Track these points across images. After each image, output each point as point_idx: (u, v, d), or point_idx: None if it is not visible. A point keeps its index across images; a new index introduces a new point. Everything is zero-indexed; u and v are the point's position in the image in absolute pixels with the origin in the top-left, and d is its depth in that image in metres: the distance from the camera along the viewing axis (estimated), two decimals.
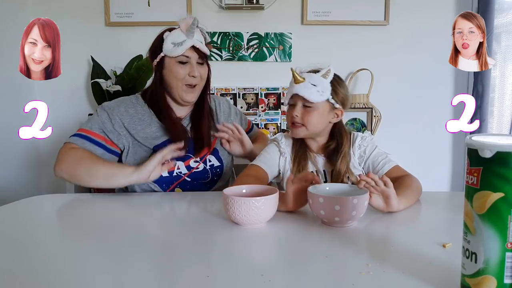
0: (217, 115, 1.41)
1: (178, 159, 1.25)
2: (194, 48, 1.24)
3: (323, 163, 1.22)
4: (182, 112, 1.34)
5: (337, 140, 1.20)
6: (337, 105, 1.16)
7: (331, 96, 1.14)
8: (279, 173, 1.24)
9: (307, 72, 1.16)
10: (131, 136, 1.26)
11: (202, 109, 1.35)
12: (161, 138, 1.27)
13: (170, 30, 1.26)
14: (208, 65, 1.32)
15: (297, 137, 1.20)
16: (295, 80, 1.14)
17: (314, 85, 1.12)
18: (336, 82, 1.17)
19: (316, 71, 1.15)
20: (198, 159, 1.30)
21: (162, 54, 1.25)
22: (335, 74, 1.17)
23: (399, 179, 1.09)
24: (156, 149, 1.24)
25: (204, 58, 1.29)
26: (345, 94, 1.18)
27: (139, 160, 1.24)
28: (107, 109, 1.26)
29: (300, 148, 1.22)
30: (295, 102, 1.16)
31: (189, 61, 1.25)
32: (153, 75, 1.31)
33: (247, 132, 1.45)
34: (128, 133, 1.25)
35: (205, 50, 1.27)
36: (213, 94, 1.46)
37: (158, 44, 1.25)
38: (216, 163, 1.33)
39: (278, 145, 1.24)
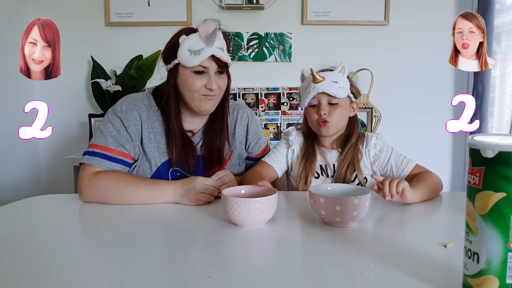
0: (235, 128, 1.27)
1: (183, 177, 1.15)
2: (213, 57, 1.10)
3: (335, 157, 1.24)
4: (195, 124, 1.22)
5: (348, 131, 1.26)
6: (354, 99, 1.23)
7: (350, 91, 1.21)
8: (288, 165, 1.28)
9: (321, 71, 1.21)
10: (142, 149, 1.15)
11: (220, 123, 1.21)
12: (168, 155, 1.16)
13: (187, 32, 1.11)
14: (228, 74, 1.18)
15: (327, 136, 1.24)
16: (315, 80, 1.17)
17: (335, 82, 1.17)
18: (349, 77, 1.24)
19: (329, 70, 1.21)
20: None
21: (176, 61, 1.11)
22: None
23: (417, 175, 1.15)
24: (161, 169, 1.15)
25: (224, 68, 1.15)
26: (358, 89, 1.26)
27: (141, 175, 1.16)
28: (120, 114, 1.14)
29: (311, 144, 1.26)
30: (318, 101, 1.19)
31: (206, 71, 1.11)
32: (166, 78, 1.17)
33: (258, 158, 1.30)
34: (140, 143, 1.15)
35: (226, 58, 1.13)
36: (238, 103, 1.35)
37: (172, 48, 1.11)
38: None
39: (287, 138, 1.28)
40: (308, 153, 1.24)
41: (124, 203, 1.04)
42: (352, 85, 1.23)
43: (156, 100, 1.19)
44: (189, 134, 1.21)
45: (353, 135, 1.24)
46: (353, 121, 1.27)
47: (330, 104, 1.19)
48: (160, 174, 1.16)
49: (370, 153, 1.23)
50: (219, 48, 1.11)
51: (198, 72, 1.11)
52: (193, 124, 1.22)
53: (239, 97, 2.39)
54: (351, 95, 1.22)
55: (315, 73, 1.17)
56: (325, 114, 1.18)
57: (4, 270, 0.66)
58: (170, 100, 1.15)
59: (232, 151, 1.26)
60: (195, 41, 1.09)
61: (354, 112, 1.26)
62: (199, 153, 1.20)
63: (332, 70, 1.21)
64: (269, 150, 1.34)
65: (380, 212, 0.98)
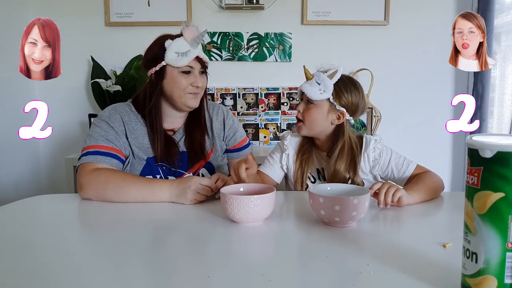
0: (213, 123, 1.34)
1: (170, 174, 1.24)
2: (197, 58, 1.21)
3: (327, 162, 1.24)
4: (176, 123, 1.30)
5: (336, 141, 1.22)
6: (338, 107, 1.18)
7: (332, 97, 1.17)
8: (283, 170, 1.29)
9: (317, 71, 1.21)
10: (129, 146, 1.22)
11: (198, 118, 1.30)
12: (152, 153, 1.23)
13: (171, 37, 1.20)
14: (207, 75, 1.29)
15: (300, 134, 1.25)
16: (306, 77, 1.20)
17: (318, 83, 1.17)
18: (343, 86, 1.18)
19: (326, 71, 1.20)
20: (191, 174, 1.26)
21: (163, 63, 1.19)
22: (347, 79, 1.20)
23: (417, 175, 1.15)
24: (149, 160, 1.23)
25: (205, 68, 1.26)
26: (350, 100, 1.18)
27: (134, 172, 1.22)
28: (105, 119, 1.21)
29: (307, 147, 1.26)
30: (301, 98, 1.23)
31: (192, 71, 1.22)
32: (148, 83, 1.25)
33: (238, 150, 1.38)
34: (127, 141, 1.22)
35: (207, 59, 1.26)
36: (212, 101, 1.44)
37: (158, 53, 1.20)
38: (208, 176, 1.25)
39: (282, 142, 1.29)
40: (304, 157, 1.24)
41: (121, 198, 1.07)
42: (338, 94, 1.16)
43: (136, 106, 1.27)
44: (170, 133, 1.29)
45: (337, 145, 1.19)
46: (339, 131, 1.21)
47: (309, 103, 1.19)
48: (151, 167, 1.23)
49: (370, 157, 1.21)
50: (201, 50, 1.23)
51: (185, 72, 1.21)
52: (174, 123, 1.30)
53: (239, 97, 2.39)
54: (334, 102, 1.17)
55: (307, 70, 1.20)
56: (299, 111, 1.21)
57: (4, 270, 0.66)
58: (153, 98, 1.22)
59: (213, 144, 1.33)
60: (182, 44, 1.19)
61: (339, 121, 1.19)
62: (182, 149, 1.27)
63: (326, 72, 1.19)
64: (251, 143, 1.44)
65: (380, 212, 0.98)
